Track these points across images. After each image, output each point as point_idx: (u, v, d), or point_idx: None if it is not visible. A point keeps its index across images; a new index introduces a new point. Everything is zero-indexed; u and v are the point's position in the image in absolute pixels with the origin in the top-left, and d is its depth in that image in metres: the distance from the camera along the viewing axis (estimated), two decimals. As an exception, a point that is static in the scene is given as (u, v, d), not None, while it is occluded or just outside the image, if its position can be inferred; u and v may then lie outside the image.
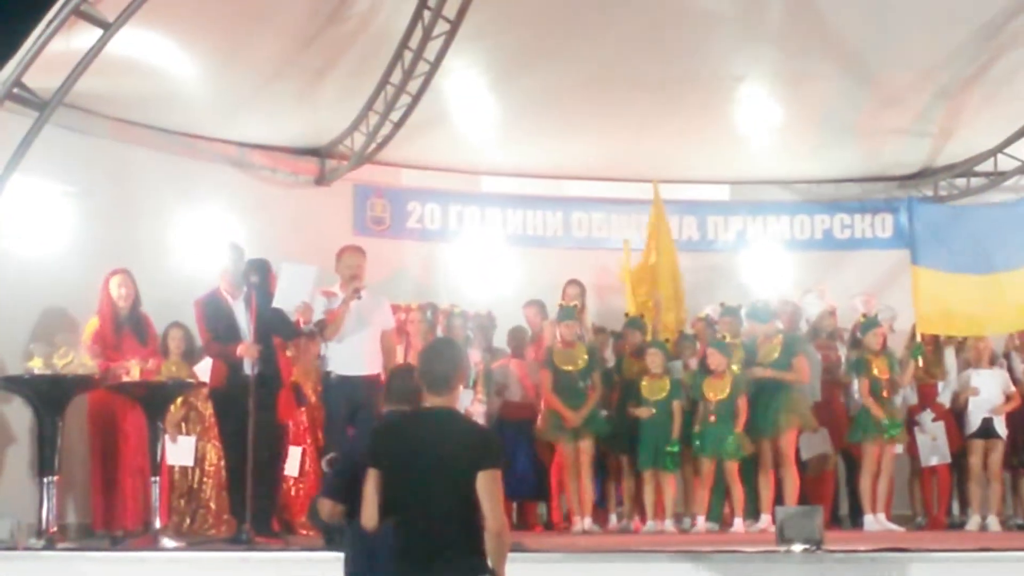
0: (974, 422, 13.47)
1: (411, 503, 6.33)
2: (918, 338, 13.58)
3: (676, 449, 12.76)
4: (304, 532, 12.39)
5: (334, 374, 11.72)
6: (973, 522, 13.28)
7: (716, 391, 12.80)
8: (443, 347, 7.01)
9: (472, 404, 13.23)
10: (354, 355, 11.67)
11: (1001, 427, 13.41)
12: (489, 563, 6.23)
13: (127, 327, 11.83)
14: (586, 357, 13.10)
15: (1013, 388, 13.57)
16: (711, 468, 12.80)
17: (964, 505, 14.08)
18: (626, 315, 14.10)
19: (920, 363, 13.63)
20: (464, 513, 6.26)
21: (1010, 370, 13.96)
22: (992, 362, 13.69)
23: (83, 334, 11.95)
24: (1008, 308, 13.25)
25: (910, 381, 13.61)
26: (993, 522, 13.14)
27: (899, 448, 13.38)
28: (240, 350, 11.02)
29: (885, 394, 13.05)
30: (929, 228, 13.71)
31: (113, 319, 11.83)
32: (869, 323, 13.39)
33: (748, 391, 12.87)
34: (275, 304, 11.11)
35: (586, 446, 13.02)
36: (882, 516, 13.03)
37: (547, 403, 13.15)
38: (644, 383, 12.96)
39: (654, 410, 12.85)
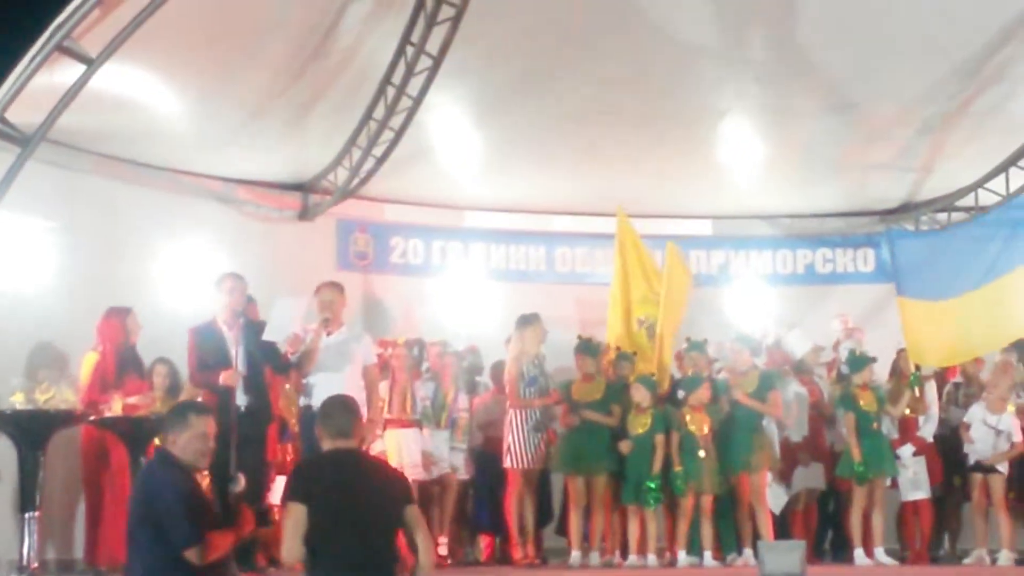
0: (971, 459, 13.41)
1: (342, 538, 6.51)
2: (912, 367, 13.59)
3: (655, 484, 12.74)
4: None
5: (311, 407, 11.66)
6: (974, 556, 13.22)
7: (700, 425, 12.82)
8: (344, 402, 7.30)
9: (451, 451, 13.25)
10: (333, 389, 11.59)
11: (1001, 464, 13.30)
12: None
13: (130, 364, 11.78)
14: (602, 392, 13.11)
15: (1020, 436, 13.26)
16: (692, 502, 12.81)
17: (952, 539, 14.09)
18: (616, 349, 14.09)
19: (917, 393, 13.61)
20: (391, 546, 6.57)
21: None
22: (1002, 408, 13.38)
23: (81, 369, 11.92)
24: (992, 324, 13.27)
25: (903, 411, 13.58)
26: (1005, 556, 12.92)
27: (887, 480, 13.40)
28: (223, 377, 10.98)
29: (875, 426, 13.07)
30: (910, 259, 13.77)
31: (118, 356, 11.78)
32: (861, 360, 13.38)
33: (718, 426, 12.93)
34: (266, 336, 11.12)
35: (598, 481, 13.01)
36: (881, 551, 13.02)
37: (559, 436, 13.21)
38: (629, 417, 12.95)
39: (633, 444, 12.84)
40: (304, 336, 11.62)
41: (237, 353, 11.13)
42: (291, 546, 6.54)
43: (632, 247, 14.93)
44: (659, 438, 12.80)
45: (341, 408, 7.10)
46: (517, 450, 13.08)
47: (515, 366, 13.28)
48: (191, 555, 6.93)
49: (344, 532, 6.48)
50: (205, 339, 11.32)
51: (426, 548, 6.50)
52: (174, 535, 6.99)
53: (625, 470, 12.93)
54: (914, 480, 13.51)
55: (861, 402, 13.07)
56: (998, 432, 13.20)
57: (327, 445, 6.85)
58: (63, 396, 10.99)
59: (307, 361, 11.63)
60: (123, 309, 12.06)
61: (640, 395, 12.94)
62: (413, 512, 6.56)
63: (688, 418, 12.87)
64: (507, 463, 13.15)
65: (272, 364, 11.51)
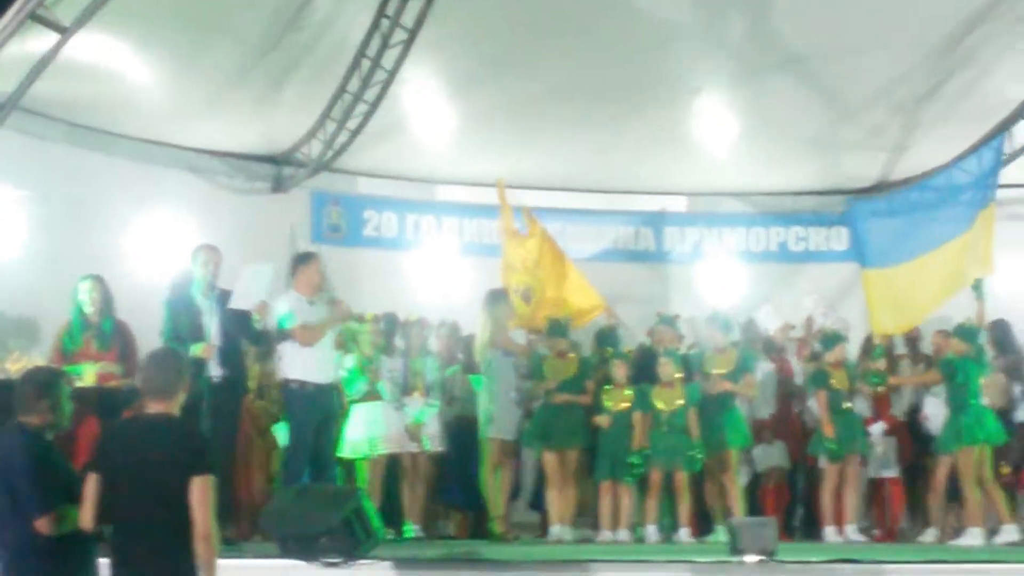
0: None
1: (126, 508, 6.56)
2: (876, 340, 13.60)
3: (636, 461, 12.75)
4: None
5: (297, 382, 11.48)
6: (929, 534, 13.17)
7: (667, 401, 12.81)
8: (164, 356, 7.21)
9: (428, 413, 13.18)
10: (319, 362, 11.51)
11: None
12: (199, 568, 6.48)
13: (89, 333, 11.58)
14: (575, 369, 13.11)
15: None
16: (659, 478, 12.81)
17: (923, 516, 14.07)
18: (600, 328, 14.12)
19: (881, 365, 13.63)
20: (176, 519, 6.47)
21: None
22: None
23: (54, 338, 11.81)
24: (948, 276, 13.32)
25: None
26: (973, 534, 12.46)
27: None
28: (200, 351, 10.85)
29: (846, 404, 13.08)
30: (872, 230, 13.80)
31: (77, 325, 11.61)
32: (834, 337, 13.40)
33: (697, 403, 12.91)
34: (232, 305, 10.98)
35: (570, 456, 13.00)
36: (852, 527, 13.05)
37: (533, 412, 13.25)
38: (606, 392, 12.95)
39: (610, 418, 12.83)
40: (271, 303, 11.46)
41: (211, 325, 11.03)
42: (83, 514, 6.67)
43: (505, 220, 14.87)
44: (638, 415, 12.81)
45: (159, 364, 6.97)
46: (499, 419, 13.03)
47: (501, 336, 13.20)
48: (41, 525, 6.83)
49: (127, 503, 6.55)
50: (179, 311, 11.18)
51: (199, 521, 6.43)
52: (26, 504, 6.88)
53: (599, 445, 12.93)
54: (882, 460, 13.55)
55: (833, 380, 13.07)
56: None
57: (146, 404, 6.81)
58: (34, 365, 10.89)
59: (312, 336, 11.50)
60: (84, 277, 11.83)
61: (619, 372, 12.95)
62: (195, 484, 6.46)
63: (654, 394, 12.85)
64: (491, 433, 13.06)
65: (246, 335, 11.39)
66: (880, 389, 13.64)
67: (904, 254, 13.50)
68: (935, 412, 13.41)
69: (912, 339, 14.28)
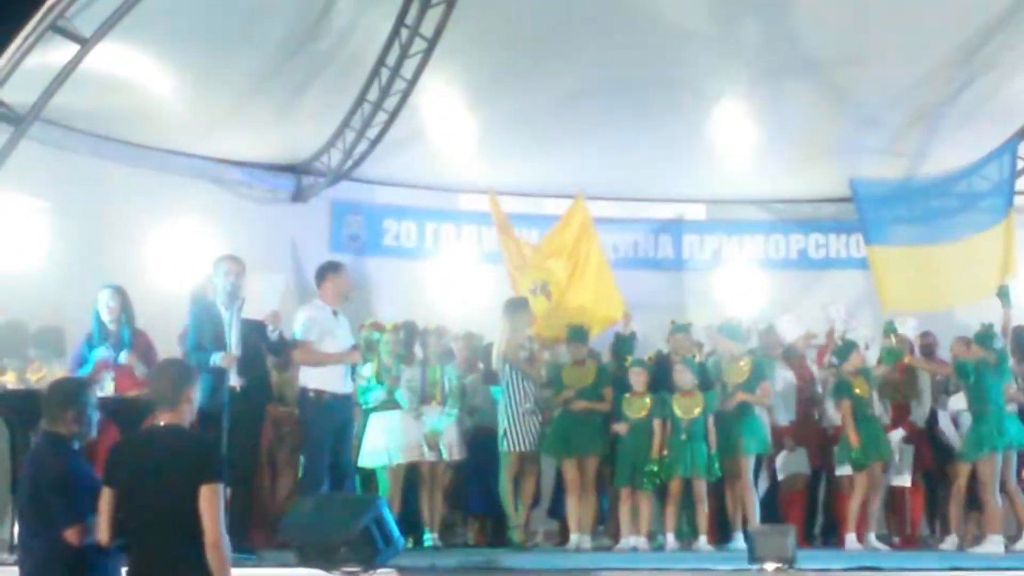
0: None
1: (139, 520, 6.61)
2: (886, 316, 13.59)
3: (655, 469, 12.73)
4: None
5: (315, 391, 11.45)
6: (949, 542, 13.10)
7: (686, 409, 12.79)
8: (168, 366, 7.30)
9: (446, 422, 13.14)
10: (337, 371, 11.54)
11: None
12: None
13: (108, 342, 11.59)
14: (593, 376, 13.12)
15: None
16: (679, 486, 12.79)
17: (943, 523, 14.00)
18: (617, 336, 14.13)
19: (893, 340, 13.61)
20: (189, 528, 6.51)
21: None
22: None
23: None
24: (969, 279, 13.24)
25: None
26: (993, 541, 12.33)
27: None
28: (220, 360, 10.85)
29: (869, 412, 13.05)
30: (876, 204, 13.78)
31: (96, 334, 11.63)
32: (847, 346, 13.36)
33: (715, 411, 12.89)
34: (243, 315, 10.99)
35: (590, 464, 13.01)
36: (871, 535, 13.04)
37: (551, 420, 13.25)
38: (625, 400, 12.95)
39: (628, 426, 12.82)
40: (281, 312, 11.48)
41: (232, 335, 11.04)
42: (100, 527, 6.74)
43: (502, 231, 14.95)
44: (657, 422, 12.79)
45: (160, 375, 7.07)
46: (513, 433, 13.04)
47: (512, 351, 13.21)
48: (70, 535, 6.89)
49: (139, 514, 6.60)
50: (203, 320, 11.20)
51: (209, 529, 6.47)
52: (55, 514, 6.94)
53: (618, 453, 12.92)
54: (897, 466, 13.50)
55: (856, 389, 13.03)
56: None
57: (157, 415, 6.87)
58: (55, 376, 10.93)
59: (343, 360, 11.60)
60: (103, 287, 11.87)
61: (638, 379, 12.94)
62: (204, 492, 6.50)
63: (674, 401, 12.84)
64: (505, 447, 13.08)
65: (263, 344, 11.39)
66: (899, 399, 13.63)
67: (914, 237, 13.45)
68: (946, 424, 13.44)
69: (928, 345, 14.22)
